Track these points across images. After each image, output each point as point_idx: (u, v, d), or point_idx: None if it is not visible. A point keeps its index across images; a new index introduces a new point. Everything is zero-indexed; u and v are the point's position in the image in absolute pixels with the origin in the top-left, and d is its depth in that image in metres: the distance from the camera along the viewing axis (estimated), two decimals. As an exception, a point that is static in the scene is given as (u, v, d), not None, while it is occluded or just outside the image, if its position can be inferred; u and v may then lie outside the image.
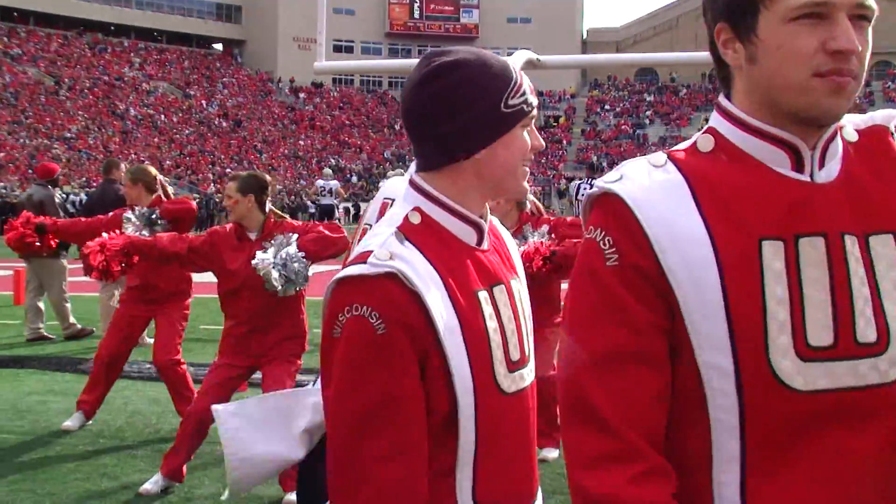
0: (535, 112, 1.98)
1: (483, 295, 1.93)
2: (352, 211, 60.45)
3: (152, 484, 5.86)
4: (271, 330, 5.84)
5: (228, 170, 66.42)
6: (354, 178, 73.07)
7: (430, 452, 1.87)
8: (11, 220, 7.35)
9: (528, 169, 1.99)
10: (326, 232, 5.84)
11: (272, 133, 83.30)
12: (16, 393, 8.83)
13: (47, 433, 7.38)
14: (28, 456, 6.77)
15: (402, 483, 1.81)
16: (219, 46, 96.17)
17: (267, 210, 5.93)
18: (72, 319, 11.93)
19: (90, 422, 7.58)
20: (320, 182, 30.96)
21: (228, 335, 5.94)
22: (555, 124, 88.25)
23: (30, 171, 57.52)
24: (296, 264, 5.63)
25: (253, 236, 5.86)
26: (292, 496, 7.24)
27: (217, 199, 45.48)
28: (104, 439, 7.21)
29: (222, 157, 73.80)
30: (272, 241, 5.71)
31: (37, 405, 8.32)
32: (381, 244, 1.89)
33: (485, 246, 2.01)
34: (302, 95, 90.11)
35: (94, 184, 53.49)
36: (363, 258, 1.87)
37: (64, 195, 11.65)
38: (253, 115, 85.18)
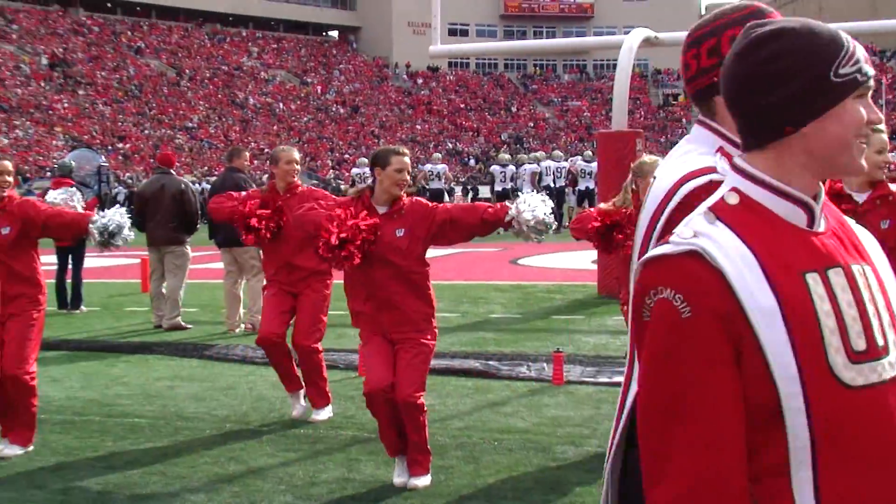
0: (871, 83, 1.86)
1: (813, 277, 1.82)
2: (470, 194, 60.47)
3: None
4: (400, 307, 5.79)
5: (347, 156, 67.15)
6: (472, 161, 73.12)
7: (754, 447, 1.77)
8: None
9: (865, 145, 1.87)
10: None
11: (389, 118, 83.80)
12: (145, 378, 9.05)
13: (176, 417, 7.54)
14: (158, 440, 6.92)
15: (713, 475, 1.73)
16: (334, 33, 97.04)
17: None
18: (181, 311, 12.06)
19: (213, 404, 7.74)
20: (428, 166, 31.01)
21: (359, 314, 5.97)
22: (673, 103, 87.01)
23: (151, 160, 58.93)
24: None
25: (382, 210, 5.82)
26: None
27: (336, 185, 45.88)
28: (230, 424, 7.33)
29: (340, 143, 74.55)
30: None
31: (165, 390, 8.51)
32: (686, 223, 1.84)
33: (819, 228, 1.89)
34: (419, 80, 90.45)
35: (216, 173, 54.51)
36: (668, 239, 1.83)
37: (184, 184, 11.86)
38: (370, 100, 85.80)
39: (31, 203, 6.84)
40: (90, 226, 6.57)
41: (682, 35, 16.80)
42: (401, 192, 5.80)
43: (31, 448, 6.65)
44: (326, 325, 7.52)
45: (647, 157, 6.59)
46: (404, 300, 5.74)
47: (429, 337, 5.80)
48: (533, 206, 5.71)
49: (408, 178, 5.84)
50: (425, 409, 5.71)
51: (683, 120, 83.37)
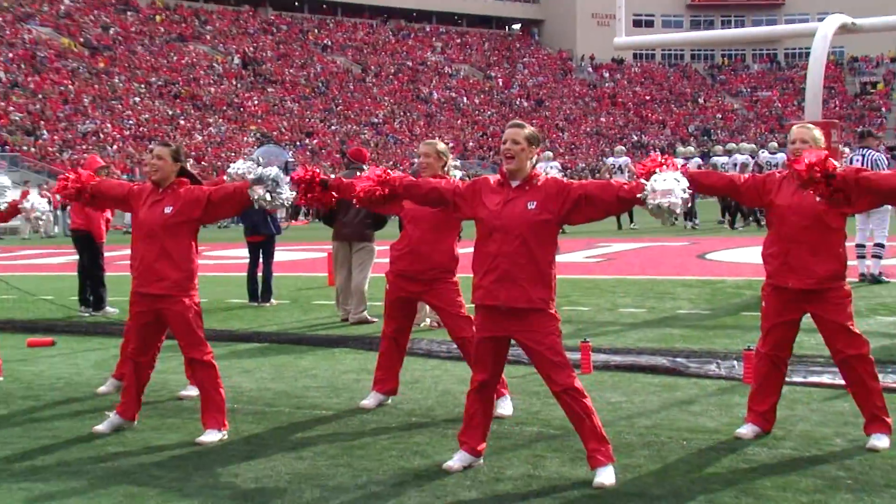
0: None
1: None
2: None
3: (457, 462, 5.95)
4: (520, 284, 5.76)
5: (529, 149, 67.00)
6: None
7: None
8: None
9: None
10: None
11: (573, 111, 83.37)
12: (333, 371, 9.19)
13: (362, 410, 7.60)
14: (345, 432, 6.99)
15: None
16: (517, 27, 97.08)
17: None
18: (367, 305, 12.19)
19: (388, 399, 7.79)
20: (611, 159, 30.61)
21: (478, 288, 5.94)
22: (872, 91, 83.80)
23: (337, 155, 60.09)
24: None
25: (515, 183, 5.81)
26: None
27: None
28: (416, 418, 7.35)
29: (524, 136, 74.40)
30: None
31: (352, 383, 8.61)
32: None
33: None
34: (603, 72, 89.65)
35: (402, 167, 55.18)
36: None
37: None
38: (553, 93, 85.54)
39: (198, 186, 7.03)
40: (251, 188, 6.66)
41: (882, 20, 16.06)
42: (509, 164, 5.81)
43: (225, 434, 6.81)
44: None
45: None
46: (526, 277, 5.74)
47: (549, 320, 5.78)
48: (669, 185, 5.52)
49: (512, 147, 5.80)
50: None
51: (882, 109, 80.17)
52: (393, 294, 7.74)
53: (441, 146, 7.63)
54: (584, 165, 67.50)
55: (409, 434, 6.87)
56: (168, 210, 6.87)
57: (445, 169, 7.52)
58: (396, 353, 7.80)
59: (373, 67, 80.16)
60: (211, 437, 6.78)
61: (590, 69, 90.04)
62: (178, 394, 8.26)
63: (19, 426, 7.42)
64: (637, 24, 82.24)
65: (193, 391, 7.75)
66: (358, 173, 12.26)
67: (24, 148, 51.11)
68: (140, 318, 7.07)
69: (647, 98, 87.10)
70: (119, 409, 7.18)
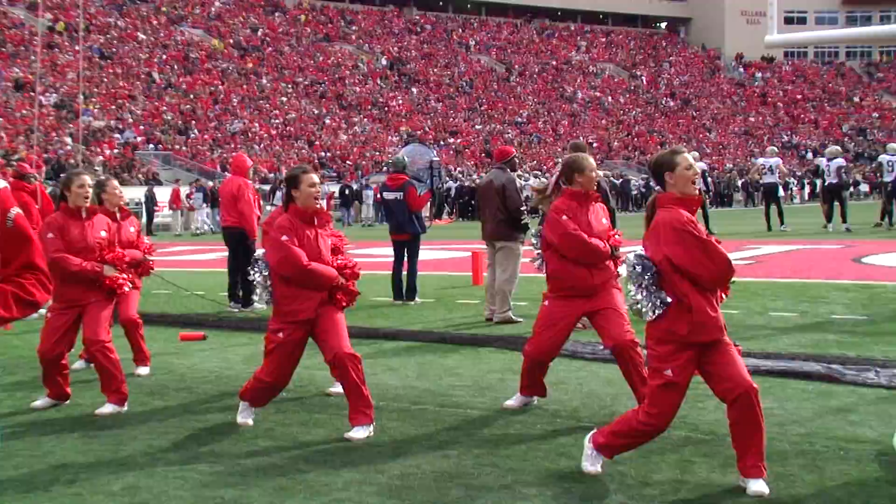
0: None
1: None
2: (806, 188, 57.97)
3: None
4: None
5: (675, 149, 66.11)
6: (809, 155, 70.20)
7: None
8: None
9: None
10: None
11: (721, 110, 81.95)
12: (477, 370, 9.17)
13: (507, 411, 7.56)
14: (489, 431, 6.97)
15: None
16: (663, 25, 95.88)
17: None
18: (511, 305, 12.14)
19: (534, 400, 7.74)
20: (761, 160, 29.87)
21: None
22: None
23: (481, 154, 60.24)
24: None
25: None
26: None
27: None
28: (560, 419, 7.28)
29: (670, 136, 73.55)
30: None
31: (497, 383, 8.58)
32: None
33: None
34: (753, 71, 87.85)
35: (547, 168, 55.10)
36: None
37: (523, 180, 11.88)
38: (701, 92, 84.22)
39: None
40: None
41: None
42: None
43: (371, 431, 6.86)
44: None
45: None
46: None
47: None
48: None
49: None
50: None
51: None
52: None
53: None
54: (731, 166, 66.26)
55: (554, 436, 6.81)
56: None
57: None
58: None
59: (517, 66, 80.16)
60: (359, 433, 6.84)
61: (738, 67, 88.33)
62: (325, 390, 8.35)
63: (174, 417, 7.62)
64: (789, 20, 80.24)
65: (339, 388, 7.83)
66: (507, 171, 12.26)
67: (176, 147, 52.65)
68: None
69: (799, 97, 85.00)
70: None
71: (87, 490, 5.75)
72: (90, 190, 8.15)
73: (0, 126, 46.37)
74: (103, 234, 8.17)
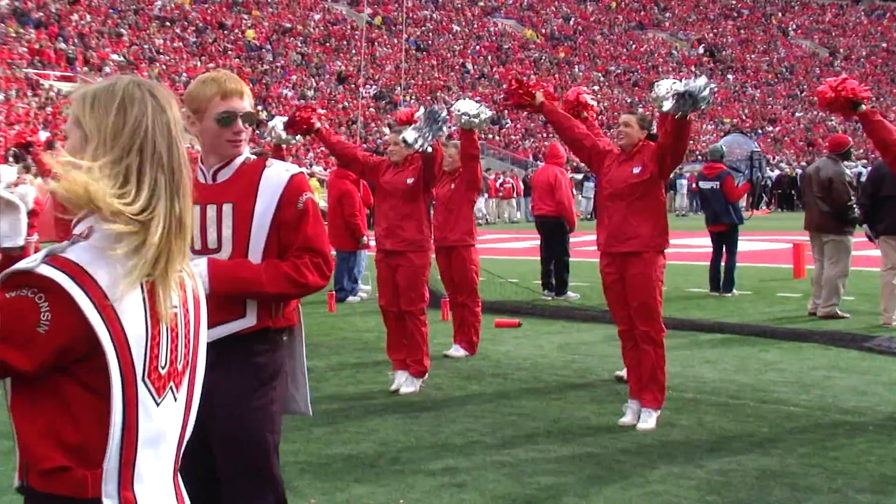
0: None
1: None
2: None
3: None
4: None
5: None
6: None
7: None
8: None
9: None
10: None
11: None
12: (800, 366, 8.79)
13: (834, 410, 7.21)
14: (815, 431, 6.66)
15: None
16: None
17: None
18: (838, 300, 11.51)
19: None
20: None
21: None
22: None
23: (802, 142, 58.05)
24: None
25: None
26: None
27: None
28: (894, 422, 6.85)
29: None
30: None
31: (821, 380, 8.20)
32: None
33: None
34: None
35: (872, 157, 52.39)
36: None
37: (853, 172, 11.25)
38: None
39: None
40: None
41: None
42: None
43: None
44: None
45: None
46: None
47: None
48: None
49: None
50: None
51: None
52: None
53: None
54: None
55: (889, 439, 6.41)
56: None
57: None
58: None
59: (842, 50, 76.60)
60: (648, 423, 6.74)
61: None
62: (616, 374, 8.25)
63: (490, 402, 7.73)
64: None
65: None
66: (839, 163, 11.69)
67: (490, 136, 53.72)
68: None
69: None
70: None
71: (408, 469, 5.92)
72: None
73: (325, 117, 48.82)
74: None
